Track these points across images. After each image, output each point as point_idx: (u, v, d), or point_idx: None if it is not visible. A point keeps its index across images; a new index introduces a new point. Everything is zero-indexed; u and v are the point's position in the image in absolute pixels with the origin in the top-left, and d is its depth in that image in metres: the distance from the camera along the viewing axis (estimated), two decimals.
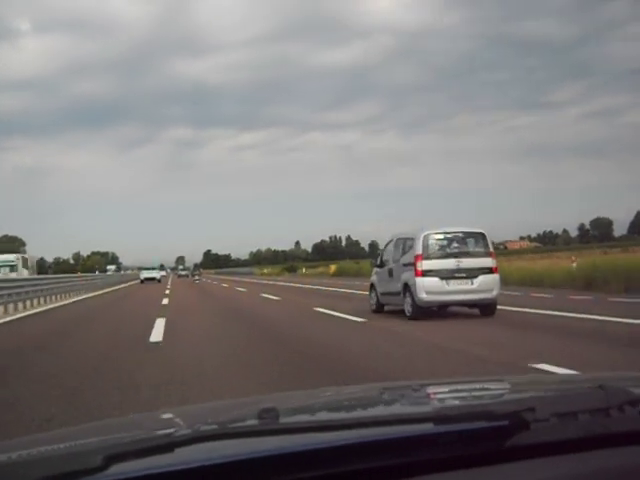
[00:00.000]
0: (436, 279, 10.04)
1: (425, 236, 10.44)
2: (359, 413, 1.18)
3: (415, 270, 10.14)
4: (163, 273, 59.88)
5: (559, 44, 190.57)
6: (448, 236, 10.60)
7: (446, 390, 1.42)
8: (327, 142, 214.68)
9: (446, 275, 10.08)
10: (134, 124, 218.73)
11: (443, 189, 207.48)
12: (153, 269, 52.26)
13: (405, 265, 10.63)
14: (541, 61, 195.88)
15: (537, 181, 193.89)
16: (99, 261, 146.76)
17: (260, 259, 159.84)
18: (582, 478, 0.80)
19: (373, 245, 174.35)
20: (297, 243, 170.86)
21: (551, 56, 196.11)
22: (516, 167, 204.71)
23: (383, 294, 11.63)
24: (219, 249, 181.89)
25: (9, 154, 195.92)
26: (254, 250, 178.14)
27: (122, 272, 67.59)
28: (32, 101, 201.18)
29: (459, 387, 1.45)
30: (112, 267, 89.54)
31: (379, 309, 11.89)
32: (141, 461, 0.78)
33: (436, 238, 10.52)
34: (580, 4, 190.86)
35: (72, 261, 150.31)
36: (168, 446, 0.81)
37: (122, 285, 41.73)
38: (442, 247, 10.47)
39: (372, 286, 12.26)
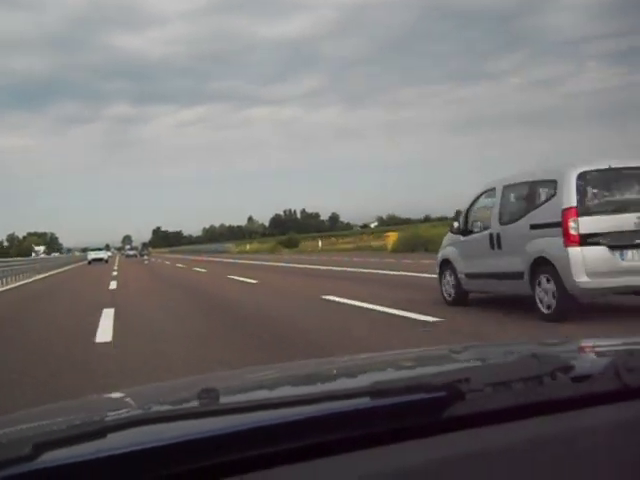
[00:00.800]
0: (604, 249, 6.42)
1: (581, 175, 6.57)
2: (295, 390, 1.21)
3: (566, 234, 6.43)
4: (109, 254, 60.17)
5: (498, 15, 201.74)
6: (622, 175, 6.73)
7: (382, 363, 1.47)
8: (271, 116, 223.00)
9: (621, 242, 6.44)
10: (73, 101, 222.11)
11: (389, 161, 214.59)
12: (100, 250, 54.33)
13: (536, 227, 6.86)
14: (481, 32, 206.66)
15: (484, 150, 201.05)
16: (36, 243, 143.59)
17: (215, 235, 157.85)
18: (519, 446, 0.83)
19: (334, 218, 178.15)
20: (250, 218, 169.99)
21: (490, 27, 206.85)
22: (460, 138, 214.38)
23: (473, 276, 7.96)
24: (169, 227, 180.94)
25: None
26: (207, 226, 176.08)
27: (57, 254, 66.49)
28: None
29: (395, 359, 1.52)
30: (40, 248, 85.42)
31: (460, 299, 8.25)
32: (72, 448, 0.78)
33: (600, 179, 6.68)
34: None
35: (6, 243, 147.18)
36: (101, 431, 0.82)
37: (65, 268, 40.66)
38: (611, 194, 6.66)
39: (445, 264, 8.57)
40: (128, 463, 0.72)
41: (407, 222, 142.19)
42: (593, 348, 1.34)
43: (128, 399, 1.21)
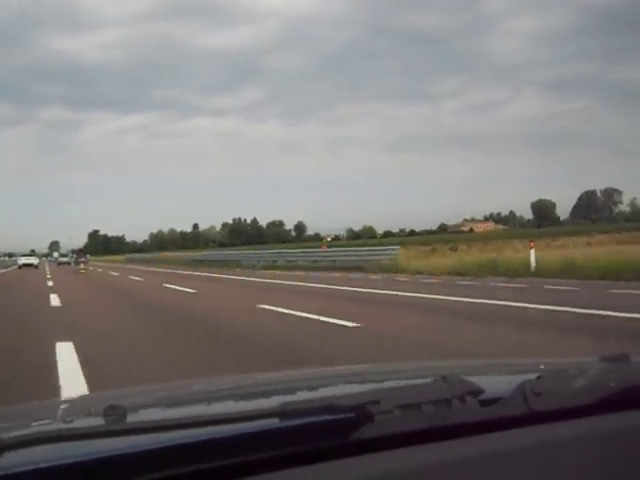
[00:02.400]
0: None
1: None
2: (202, 409, 1.29)
3: None
4: (38, 260, 66.34)
5: (441, 37, 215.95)
6: None
7: (292, 382, 1.56)
8: (211, 127, 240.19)
9: None
10: (5, 102, 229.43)
11: (330, 177, 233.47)
12: (31, 255, 63.63)
13: None
14: (423, 53, 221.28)
15: (419, 170, 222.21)
16: None
17: (164, 242, 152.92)
18: (426, 469, 0.89)
19: (300, 227, 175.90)
20: (195, 226, 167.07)
21: (433, 48, 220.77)
22: (396, 157, 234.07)
23: None
24: (107, 231, 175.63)
25: None
26: (154, 231, 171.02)
27: None
28: None
29: (305, 378, 1.65)
30: None
31: None
32: (41, 449, 0.82)
33: None
34: None
35: None
36: (60, 437, 0.89)
37: None
38: None
39: None
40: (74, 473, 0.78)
41: (393, 235, 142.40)
42: (503, 369, 1.57)
43: (33, 413, 1.27)
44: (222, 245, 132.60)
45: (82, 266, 37.68)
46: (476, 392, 1.02)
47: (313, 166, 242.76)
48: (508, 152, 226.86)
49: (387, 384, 1.44)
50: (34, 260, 59.54)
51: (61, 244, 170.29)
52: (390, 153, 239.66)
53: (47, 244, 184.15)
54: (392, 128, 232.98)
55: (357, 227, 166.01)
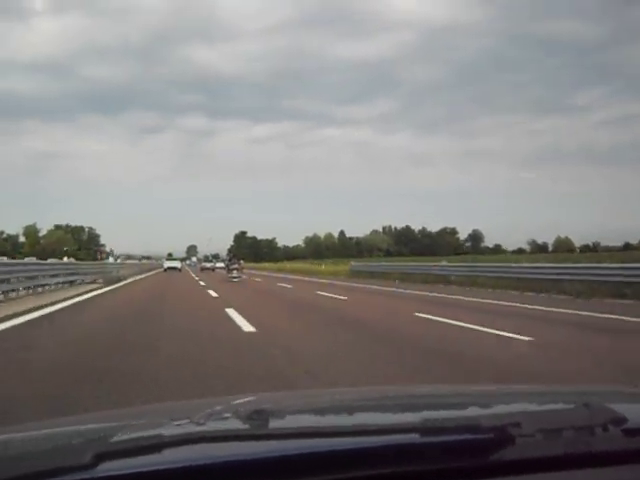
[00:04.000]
0: None
1: None
2: (345, 420, 1.41)
3: None
4: (181, 264, 76.59)
5: (584, 46, 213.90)
6: None
7: (434, 398, 1.70)
8: (343, 138, 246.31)
9: None
10: (148, 111, 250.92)
11: (461, 190, 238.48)
12: (174, 259, 74.09)
13: None
14: (565, 62, 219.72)
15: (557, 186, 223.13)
16: (63, 239, 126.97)
17: (320, 248, 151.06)
18: None
19: (476, 237, 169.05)
20: (342, 232, 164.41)
21: (576, 58, 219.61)
22: (532, 171, 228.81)
23: None
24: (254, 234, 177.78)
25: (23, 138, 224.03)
26: (309, 235, 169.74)
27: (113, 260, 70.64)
28: (45, 84, 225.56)
29: (446, 395, 1.79)
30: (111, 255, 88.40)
31: None
32: (129, 460, 0.95)
33: None
34: (606, 6, 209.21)
35: (22, 238, 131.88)
36: (157, 446, 1.00)
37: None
38: None
39: None
40: (184, 478, 0.89)
41: (590, 249, 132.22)
42: None
43: (184, 413, 1.42)
44: (389, 254, 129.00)
45: (235, 273, 35.14)
46: (619, 421, 1.09)
47: (450, 177, 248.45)
48: None
49: (527, 407, 1.54)
50: (177, 264, 70.90)
51: (199, 249, 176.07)
52: (522, 166, 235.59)
53: (184, 248, 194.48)
54: (528, 141, 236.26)
55: (539, 239, 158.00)
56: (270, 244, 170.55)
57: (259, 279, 41.71)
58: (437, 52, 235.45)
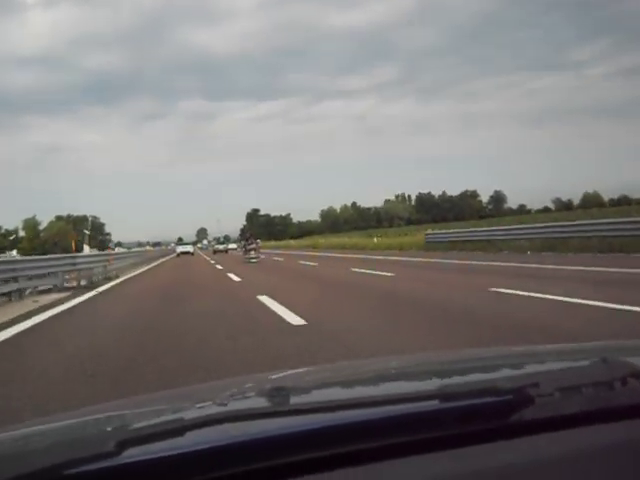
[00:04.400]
0: None
1: None
2: (361, 391, 1.44)
3: None
4: (194, 248, 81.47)
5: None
6: None
7: (447, 364, 1.71)
8: (343, 110, 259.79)
9: None
10: (147, 97, 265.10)
11: (476, 154, 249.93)
12: (187, 244, 78.65)
13: None
14: (562, 18, 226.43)
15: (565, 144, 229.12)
16: (64, 230, 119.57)
17: (337, 221, 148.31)
18: (587, 452, 0.96)
19: (497, 198, 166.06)
20: (354, 203, 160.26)
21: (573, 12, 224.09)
22: (540, 131, 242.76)
23: None
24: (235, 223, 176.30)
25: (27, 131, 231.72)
26: (325, 208, 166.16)
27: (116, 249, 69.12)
28: (42, 76, 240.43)
29: (460, 360, 1.78)
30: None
31: None
32: (154, 445, 0.97)
33: None
34: None
35: (22, 232, 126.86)
36: (179, 429, 1.01)
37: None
38: None
39: None
40: (206, 460, 0.90)
41: (621, 203, 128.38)
42: None
43: (202, 395, 1.47)
44: (411, 222, 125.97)
45: (253, 254, 32.75)
46: (638, 374, 1.09)
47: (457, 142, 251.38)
48: None
49: (545, 366, 1.54)
50: (190, 248, 74.61)
51: (209, 231, 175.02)
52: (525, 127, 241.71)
53: (194, 232, 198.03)
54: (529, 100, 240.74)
55: (563, 197, 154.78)
56: (284, 220, 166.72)
57: (281, 259, 37.56)
58: (434, 15, 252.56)
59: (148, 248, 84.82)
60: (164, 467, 0.90)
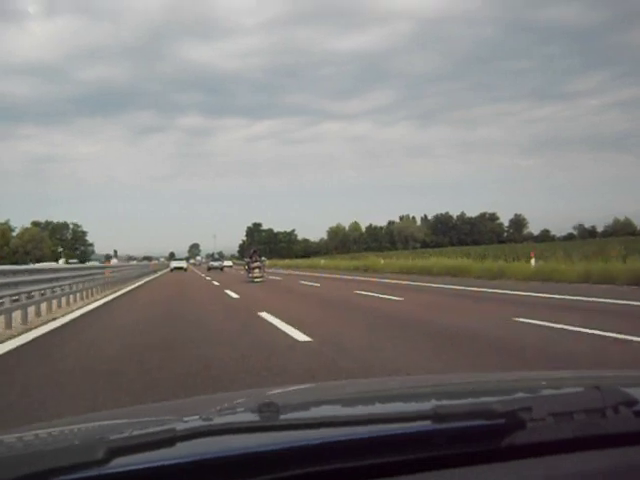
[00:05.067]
0: None
1: None
2: (355, 410, 1.49)
3: None
4: (187, 264, 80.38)
5: (581, 32, 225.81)
6: None
7: (443, 386, 1.79)
8: (341, 132, 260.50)
9: None
10: (147, 111, 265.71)
11: (464, 181, 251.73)
12: (181, 259, 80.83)
13: None
14: (562, 49, 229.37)
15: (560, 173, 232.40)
16: (41, 238, 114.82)
17: (346, 240, 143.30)
18: (577, 478, 1.00)
19: (517, 222, 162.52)
20: (355, 224, 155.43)
21: (573, 44, 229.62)
22: (534, 160, 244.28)
23: None
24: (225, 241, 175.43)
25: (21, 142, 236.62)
26: (333, 225, 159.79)
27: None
28: (41, 87, 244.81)
29: (455, 383, 1.87)
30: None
31: None
32: (143, 455, 1.00)
33: None
34: None
35: None
36: (170, 440, 1.04)
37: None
38: None
39: None
40: (195, 472, 0.94)
41: None
42: None
43: (194, 408, 1.54)
44: (426, 245, 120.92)
45: (257, 272, 29.95)
46: (631, 402, 1.13)
47: (448, 168, 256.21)
48: None
49: (538, 392, 1.60)
50: (184, 264, 74.12)
51: (201, 247, 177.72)
52: (521, 155, 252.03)
53: (187, 247, 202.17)
54: (527, 130, 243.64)
55: (587, 223, 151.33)
56: (289, 237, 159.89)
57: (304, 282, 29.30)
58: (433, 42, 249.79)
59: (132, 263, 75.89)
60: (149, 478, 0.92)
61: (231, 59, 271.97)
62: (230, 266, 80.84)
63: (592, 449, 1.04)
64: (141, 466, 0.94)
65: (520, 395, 1.53)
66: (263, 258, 32.77)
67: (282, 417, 1.30)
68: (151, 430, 1.21)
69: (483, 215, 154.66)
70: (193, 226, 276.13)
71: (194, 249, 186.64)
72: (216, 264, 71.37)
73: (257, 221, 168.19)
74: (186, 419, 1.31)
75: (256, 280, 29.35)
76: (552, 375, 2.07)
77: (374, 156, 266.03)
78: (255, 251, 32.00)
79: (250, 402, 1.53)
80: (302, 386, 2.34)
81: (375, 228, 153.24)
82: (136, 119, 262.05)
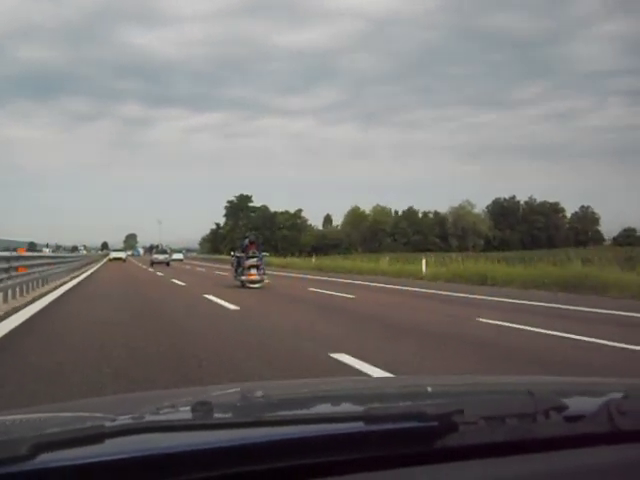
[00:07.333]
0: None
1: None
2: (288, 410, 1.59)
3: None
4: (126, 254, 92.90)
5: (524, 41, 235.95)
6: None
7: (378, 388, 2.01)
8: (282, 129, 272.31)
9: None
10: (83, 97, 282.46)
11: (402, 182, 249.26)
12: (120, 250, 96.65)
13: None
14: (505, 57, 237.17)
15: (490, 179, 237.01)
16: None
17: (366, 232, 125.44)
18: None
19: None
20: (327, 218, 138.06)
21: (515, 53, 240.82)
22: (469, 165, 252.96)
23: None
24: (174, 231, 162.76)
25: None
26: (352, 206, 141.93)
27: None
28: None
29: (391, 385, 2.13)
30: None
31: None
32: (69, 451, 1.05)
33: None
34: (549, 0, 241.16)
35: None
36: (98, 436, 1.09)
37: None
38: None
39: None
40: (123, 470, 0.98)
41: None
42: (589, 388, 1.88)
43: (127, 405, 1.62)
44: (489, 244, 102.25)
45: (254, 273, 23.94)
46: (561, 408, 1.24)
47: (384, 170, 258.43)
48: (586, 164, 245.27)
49: (471, 395, 1.75)
50: (122, 254, 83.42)
51: (138, 238, 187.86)
52: (458, 160, 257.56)
53: (122, 237, 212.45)
54: (465, 135, 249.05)
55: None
56: (293, 221, 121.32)
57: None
58: (380, 43, 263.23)
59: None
60: (76, 475, 0.97)
61: (174, 47, 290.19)
62: (181, 260, 79.64)
63: (523, 453, 1.13)
64: (65, 463, 0.98)
65: (453, 398, 1.70)
66: (265, 253, 27.23)
67: (215, 416, 1.39)
68: (80, 426, 1.25)
69: (543, 204, 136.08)
70: (131, 217, 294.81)
71: (130, 239, 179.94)
72: (161, 257, 63.35)
73: (202, 214, 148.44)
74: (118, 416, 1.34)
75: (252, 285, 24.20)
76: (489, 380, 2.24)
77: (313, 153, 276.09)
78: (253, 242, 26.30)
79: (186, 400, 1.60)
80: (238, 387, 2.40)
81: (416, 216, 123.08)
82: (72, 104, 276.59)
